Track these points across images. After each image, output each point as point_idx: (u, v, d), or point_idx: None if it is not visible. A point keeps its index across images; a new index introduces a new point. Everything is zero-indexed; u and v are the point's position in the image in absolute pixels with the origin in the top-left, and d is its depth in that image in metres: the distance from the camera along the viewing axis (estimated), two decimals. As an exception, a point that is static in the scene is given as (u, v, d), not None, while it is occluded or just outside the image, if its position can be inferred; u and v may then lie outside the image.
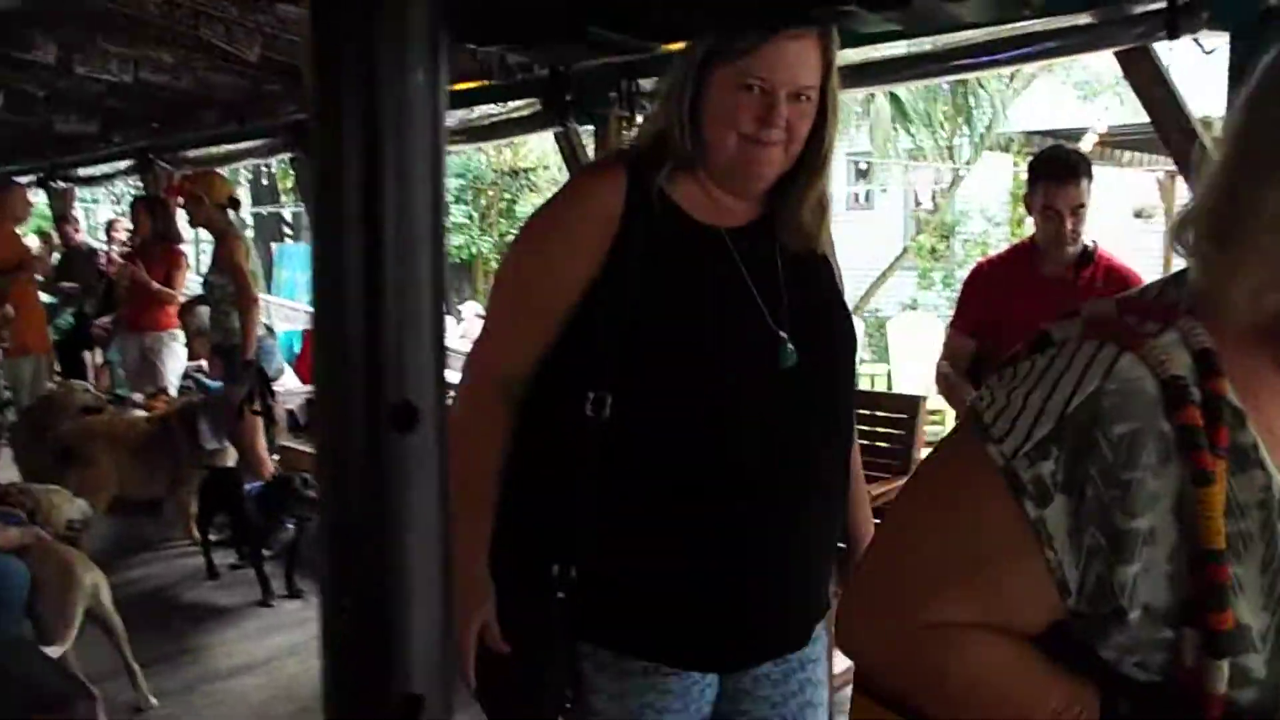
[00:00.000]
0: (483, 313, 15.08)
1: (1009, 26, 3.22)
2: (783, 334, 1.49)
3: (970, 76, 9.56)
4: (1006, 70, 8.69)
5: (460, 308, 15.13)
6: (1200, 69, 3.33)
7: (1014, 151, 11.69)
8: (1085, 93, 11.81)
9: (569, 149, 4.80)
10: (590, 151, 4.77)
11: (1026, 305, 3.10)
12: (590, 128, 4.62)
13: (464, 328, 14.26)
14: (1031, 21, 3.18)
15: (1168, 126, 3.01)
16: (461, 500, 1.46)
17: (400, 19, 0.55)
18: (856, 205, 18.82)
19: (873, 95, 11.24)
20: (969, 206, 14.67)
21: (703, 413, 1.46)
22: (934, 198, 15.18)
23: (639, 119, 4.38)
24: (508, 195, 17.16)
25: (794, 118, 1.44)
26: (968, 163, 12.67)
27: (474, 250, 17.18)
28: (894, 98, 11.44)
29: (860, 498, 1.75)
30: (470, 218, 17.00)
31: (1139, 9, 2.85)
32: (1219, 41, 2.86)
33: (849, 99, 11.55)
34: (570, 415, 1.47)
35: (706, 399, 1.46)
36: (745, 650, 1.56)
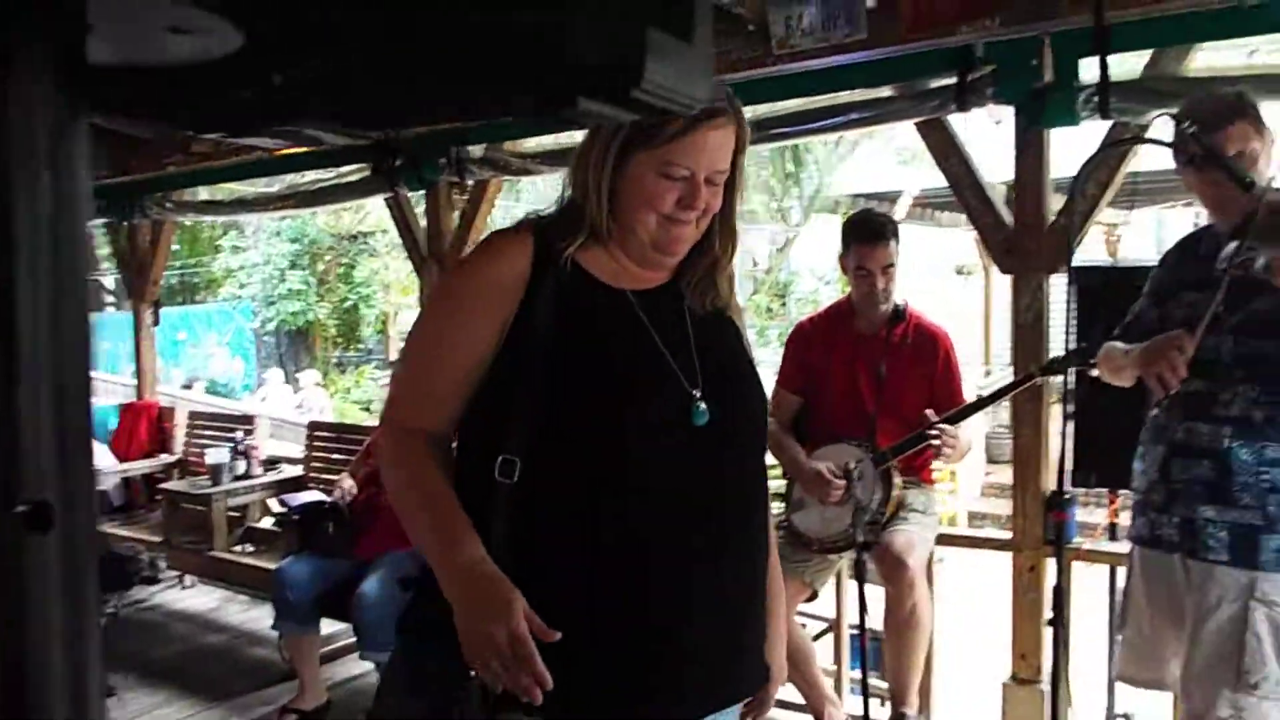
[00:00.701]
0: (321, 381, 14.65)
1: (822, 98, 3.40)
2: (696, 393, 1.49)
3: (785, 144, 10.03)
4: (818, 138, 9.15)
5: (298, 376, 14.67)
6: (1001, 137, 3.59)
7: (841, 213, 12.25)
8: (904, 158, 12.48)
9: (400, 215, 4.77)
10: (421, 217, 4.76)
11: (842, 361, 3.24)
12: (421, 193, 4.61)
13: (301, 397, 13.81)
14: (842, 94, 3.38)
15: (963, 190, 3.23)
16: (431, 521, 1.45)
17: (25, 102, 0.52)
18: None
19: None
20: (800, 266, 15.24)
21: (614, 475, 1.45)
22: (769, 258, 15.69)
23: (469, 183, 4.41)
24: (345, 260, 16.82)
25: (709, 196, 1.48)
26: (798, 224, 13.20)
27: (310, 317, 16.73)
28: (726, 163, 11.82)
29: (778, 631, 1.68)
30: (306, 283, 16.57)
31: (933, 84, 3.06)
32: (1007, 114, 3.09)
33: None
34: (480, 477, 1.44)
35: (617, 461, 1.44)
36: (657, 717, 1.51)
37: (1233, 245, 2.07)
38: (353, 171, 4.81)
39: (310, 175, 5.22)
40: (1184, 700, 2.24)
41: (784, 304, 15.02)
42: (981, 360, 12.61)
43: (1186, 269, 2.29)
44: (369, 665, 3.90)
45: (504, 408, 1.46)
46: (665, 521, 1.46)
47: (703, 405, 1.49)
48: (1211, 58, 3.00)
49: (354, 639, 3.84)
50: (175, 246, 18.63)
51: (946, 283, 14.81)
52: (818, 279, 14.15)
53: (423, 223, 4.72)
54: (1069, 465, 3.24)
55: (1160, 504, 2.28)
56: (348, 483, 4.05)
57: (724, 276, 1.60)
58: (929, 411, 2.96)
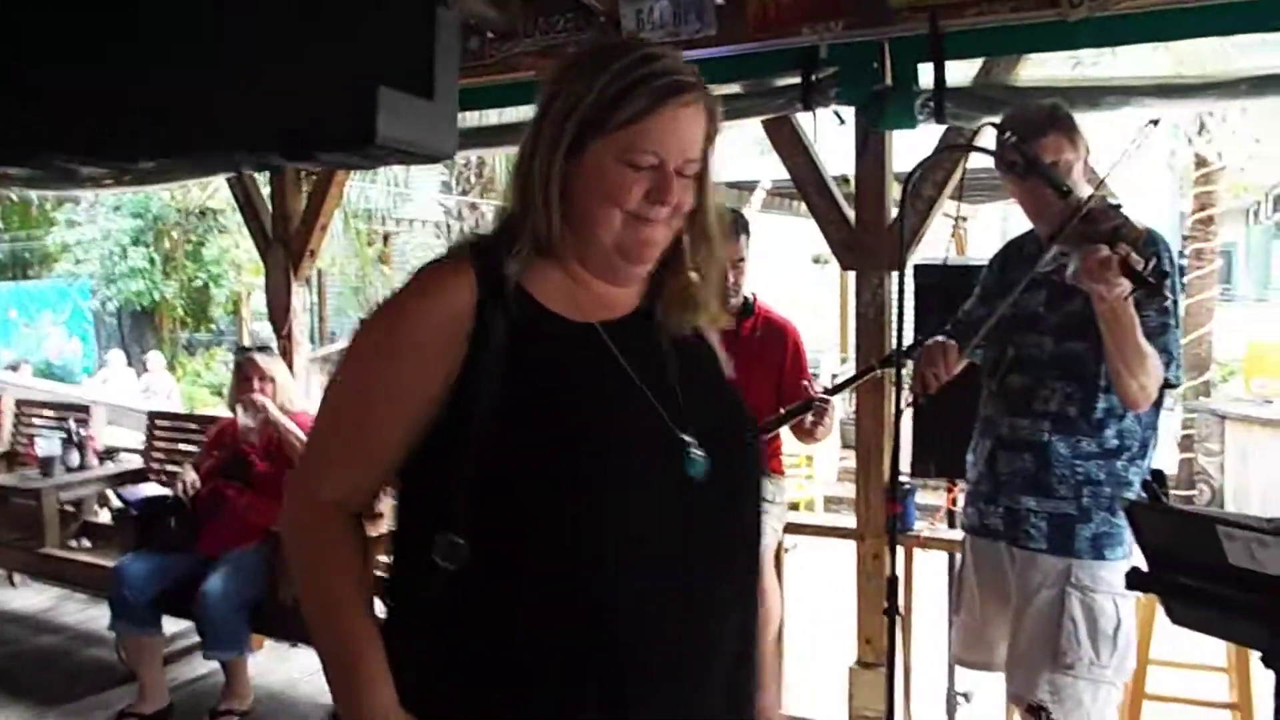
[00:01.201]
0: (160, 362, 14.03)
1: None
2: (687, 438, 1.25)
3: None
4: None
5: (145, 358, 14.02)
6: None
7: (702, 200, 12.37)
8: (763, 148, 12.71)
9: (244, 196, 4.60)
10: (266, 197, 4.60)
11: (694, 354, 3.29)
12: (266, 173, 4.46)
13: (147, 380, 13.21)
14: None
15: (807, 187, 3.31)
16: (338, 647, 1.24)
17: None
18: (560, 249, 19.22)
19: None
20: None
21: (592, 550, 1.19)
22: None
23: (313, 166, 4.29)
24: (194, 237, 16.11)
25: (680, 190, 1.26)
26: (660, 211, 13.29)
27: (155, 296, 15.98)
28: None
29: (771, 675, 1.49)
30: (151, 261, 15.80)
31: (779, 83, 3.12)
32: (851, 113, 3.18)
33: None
34: (416, 562, 1.21)
35: (596, 532, 1.19)
36: None
37: (1052, 250, 2.19)
38: (195, 151, 4.61)
39: (150, 153, 4.99)
40: (1008, 681, 2.37)
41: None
42: (839, 348, 12.99)
43: (1012, 270, 2.41)
44: (214, 665, 3.78)
45: (445, 476, 1.21)
46: (657, 603, 1.22)
47: (697, 453, 1.25)
48: (1039, 69, 3.16)
49: (198, 638, 3.72)
50: (2, 223, 17.59)
51: (803, 271, 15.18)
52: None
53: (269, 204, 4.57)
54: (908, 456, 3.40)
55: (987, 494, 2.40)
56: (190, 475, 3.91)
57: (707, 291, 1.36)
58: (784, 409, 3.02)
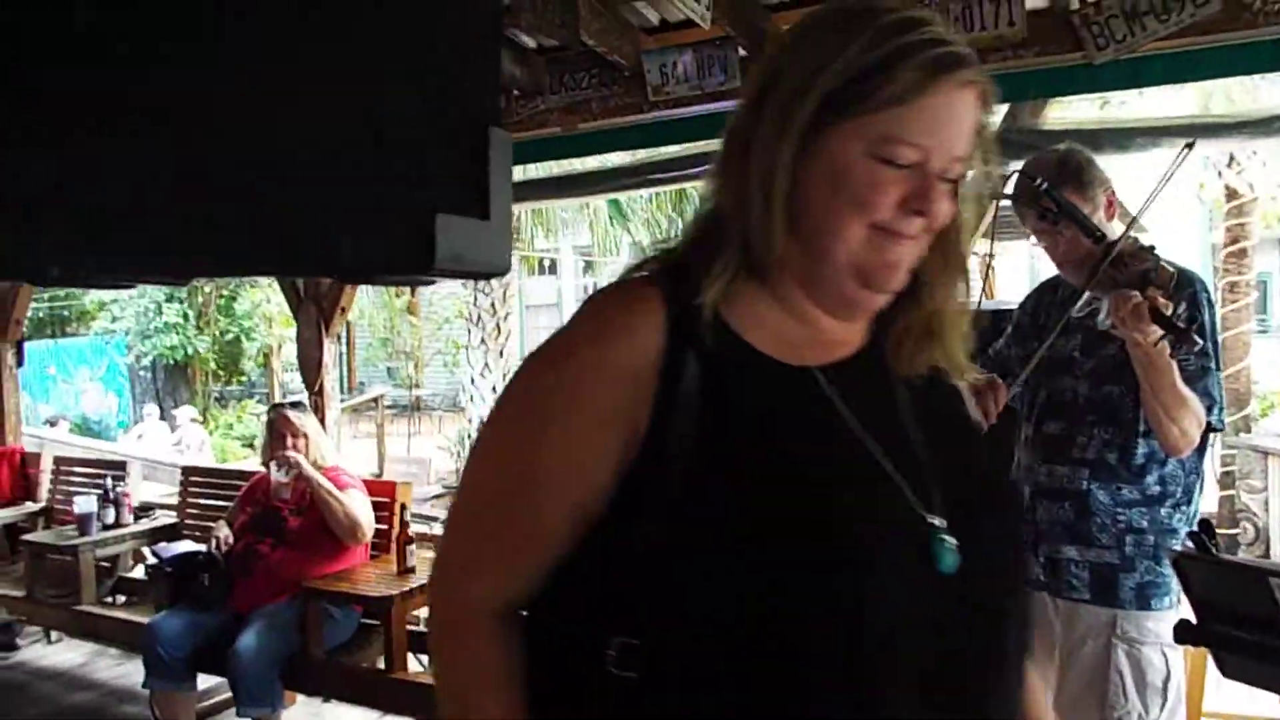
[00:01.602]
0: (199, 417, 14.17)
1: (698, 144, 3.46)
2: (935, 520, 0.96)
3: (665, 189, 10.28)
4: (692, 184, 9.39)
5: (175, 413, 14.16)
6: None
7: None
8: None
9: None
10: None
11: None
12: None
13: (179, 435, 13.33)
14: (718, 141, 3.43)
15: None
16: None
17: None
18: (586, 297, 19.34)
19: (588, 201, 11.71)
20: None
21: (817, 662, 0.92)
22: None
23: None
24: (226, 292, 16.34)
25: (942, 198, 0.97)
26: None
27: (189, 351, 16.18)
28: (612, 201, 11.94)
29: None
30: (185, 316, 16.04)
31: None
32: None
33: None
34: (584, 671, 0.96)
35: (824, 639, 0.91)
36: None
37: (1085, 296, 2.17)
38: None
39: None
40: None
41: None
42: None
43: (1044, 312, 2.38)
44: (247, 721, 3.77)
45: (622, 566, 0.96)
46: None
47: (948, 539, 0.95)
48: (1066, 110, 3.15)
49: (230, 694, 3.71)
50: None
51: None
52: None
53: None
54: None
55: (1028, 544, 2.36)
56: (223, 531, 3.92)
57: (953, 329, 1.06)
58: None
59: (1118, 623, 2.20)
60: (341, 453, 4.40)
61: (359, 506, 3.79)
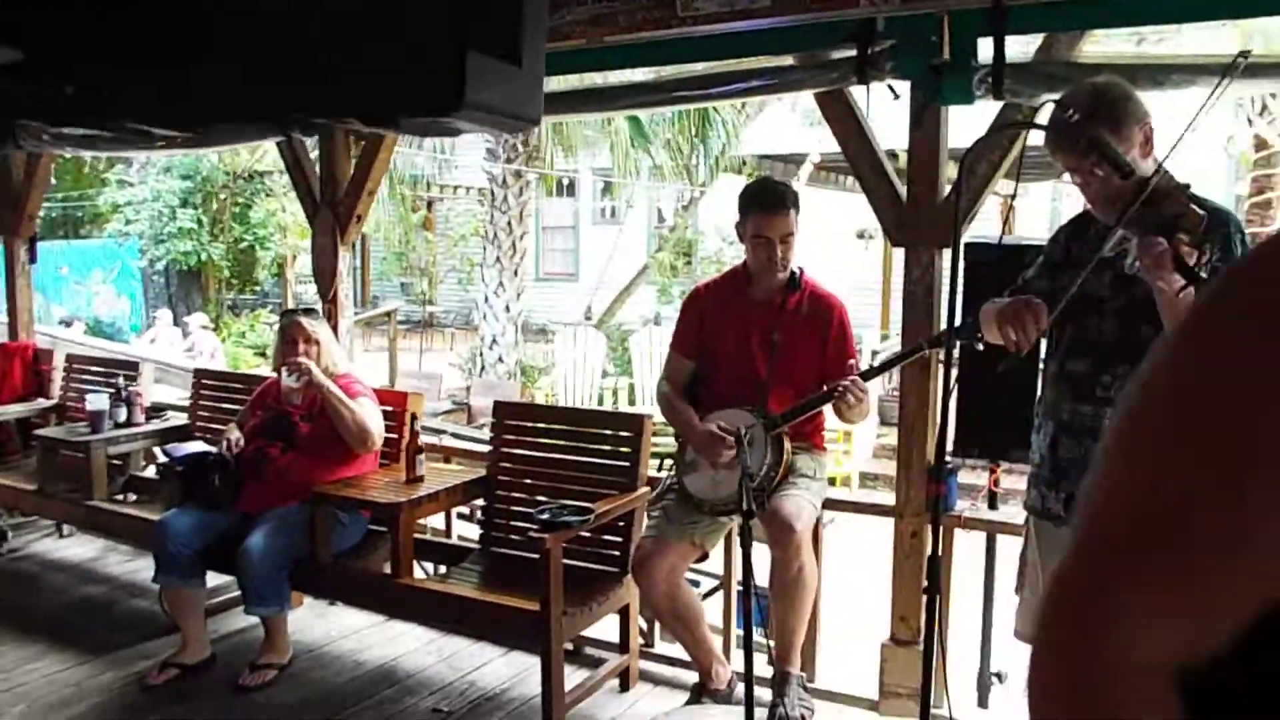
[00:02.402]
0: (210, 324, 14.20)
1: (725, 63, 3.39)
2: None
3: (689, 107, 10.10)
4: (721, 103, 9.22)
5: (187, 320, 14.21)
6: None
7: (747, 174, 12.30)
8: (810, 120, 12.58)
9: (293, 158, 4.62)
10: (315, 161, 4.62)
11: (737, 328, 3.27)
12: (315, 137, 4.47)
13: (191, 341, 13.40)
14: (745, 59, 3.38)
15: (859, 162, 3.26)
16: None
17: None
18: (603, 220, 19.23)
19: (611, 117, 11.54)
20: (706, 225, 15.29)
21: None
22: (675, 215, 15.71)
23: (366, 130, 4.29)
24: (241, 200, 16.29)
25: None
26: (704, 184, 13.22)
27: (202, 257, 16.18)
28: (633, 120, 11.78)
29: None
30: (199, 222, 16.01)
31: (834, 55, 3.07)
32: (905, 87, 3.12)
33: (589, 120, 11.78)
34: None
35: None
36: None
37: (1117, 234, 2.14)
38: (246, 112, 4.63)
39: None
40: None
41: (689, 263, 15.09)
42: (880, 325, 12.89)
43: (1077, 246, 2.35)
44: (254, 620, 3.84)
45: None
46: None
47: None
48: (1102, 45, 3.08)
49: (239, 593, 3.78)
50: (55, 180, 17.82)
51: (848, 247, 15.04)
52: (722, 239, 14.23)
53: (317, 167, 4.59)
54: (951, 437, 3.36)
55: (1049, 479, 2.37)
56: (234, 434, 3.96)
57: None
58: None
59: None
60: (353, 363, 4.42)
61: (369, 414, 3.82)
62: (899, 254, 3.28)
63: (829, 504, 3.48)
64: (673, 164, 12.72)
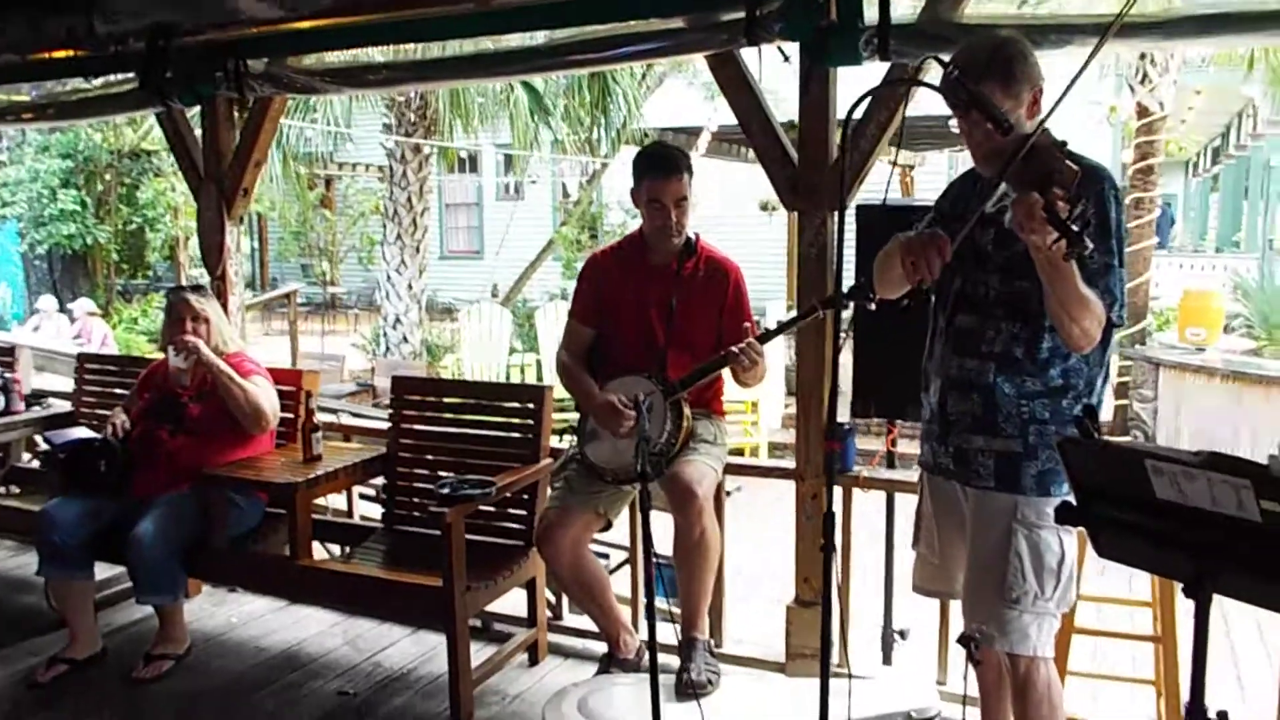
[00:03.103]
0: (97, 310, 13.67)
1: (611, 26, 3.35)
2: None
3: (580, 72, 10.01)
4: (615, 67, 9.17)
5: (71, 306, 13.64)
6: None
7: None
8: (710, 92, 12.61)
9: (174, 131, 4.45)
10: (198, 135, 4.45)
11: (635, 294, 3.26)
12: (197, 109, 4.30)
13: (78, 328, 12.88)
14: (634, 23, 3.34)
15: (751, 126, 3.27)
16: None
17: None
18: (507, 196, 19.05)
19: (511, 87, 11.38)
20: (610, 199, 15.26)
21: None
22: (579, 189, 15.64)
23: (249, 100, 4.15)
24: (128, 180, 15.67)
25: None
26: (606, 156, 13.17)
27: (88, 240, 15.54)
28: (531, 91, 11.65)
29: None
30: (83, 204, 15.36)
31: (723, 17, 3.06)
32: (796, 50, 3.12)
33: (488, 89, 11.60)
34: None
35: None
36: None
37: (1000, 189, 2.17)
38: (120, 82, 4.44)
39: (72, 84, 4.79)
40: (964, 612, 2.40)
41: (594, 237, 15.03)
42: (786, 296, 13.03)
43: (963, 203, 2.38)
44: (148, 610, 3.72)
45: None
46: None
47: None
48: (985, 5, 3.12)
49: (130, 584, 3.65)
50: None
51: (752, 219, 15.17)
52: (625, 211, 14.22)
53: (200, 140, 4.43)
54: (848, 397, 3.41)
55: (939, 434, 2.41)
56: (120, 418, 3.81)
57: None
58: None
59: (1019, 508, 2.27)
60: (249, 344, 4.29)
61: (263, 393, 3.71)
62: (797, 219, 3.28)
63: (732, 469, 3.50)
64: (574, 137, 12.62)
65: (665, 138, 11.97)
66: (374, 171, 16.24)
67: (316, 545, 3.82)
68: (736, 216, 15.20)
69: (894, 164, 2.64)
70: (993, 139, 2.14)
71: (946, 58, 2.21)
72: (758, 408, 10.31)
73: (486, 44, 3.91)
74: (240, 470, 3.64)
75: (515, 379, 11.25)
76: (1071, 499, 1.85)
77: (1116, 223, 2.19)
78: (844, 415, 3.55)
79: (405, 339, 12.41)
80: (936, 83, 2.17)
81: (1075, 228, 1.88)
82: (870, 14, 2.85)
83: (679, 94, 12.96)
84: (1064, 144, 2.05)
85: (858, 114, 2.20)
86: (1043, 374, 2.26)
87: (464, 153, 16.91)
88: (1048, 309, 2.13)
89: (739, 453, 9.42)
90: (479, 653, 3.42)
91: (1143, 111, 10.23)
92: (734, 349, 2.96)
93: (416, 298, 12.45)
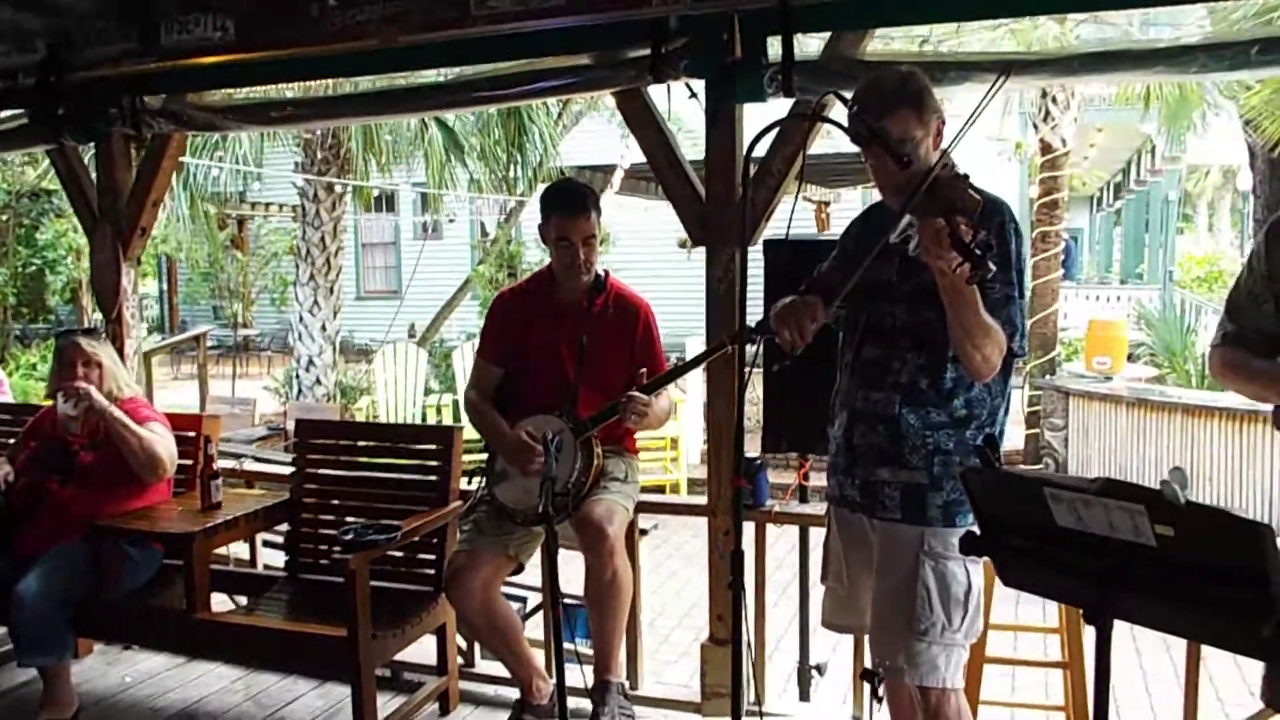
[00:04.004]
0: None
1: (519, 63, 3.34)
2: None
3: (487, 109, 10.18)
4: (526, 103, 9.23)
5: (-34, 350, 13.11)
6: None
7: (566, 185, 12.28)
8: (625, 130, 12.72)
9: (67, 169, 4.29)
10: (93, 173, 4.30)
11: (545, 332, 3.21)
12: (91, 146, 4.16)
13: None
14: (542, 59, 3.33)
15: (658, 159, 3.26)
16: None
17: None
18: (424, 235, 18.90)
19: (426, 125, 11.31)
20: (528, 236, 15.22)
21: None
22: (496, 228, 15.58)
23: (147, 137, 4.02)
24: (26, 221, 15.16)
25: None
26: (523, 194, 13.14)
27: (-15, 284, 14.99)
28: (445, 129, 11.58)
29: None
30: (-22, 246, 14.82)
31: (629, 54, 3.06)
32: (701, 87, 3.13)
33: (402, 128, 11.51)
34: None
35: None
36: None
37: (904, 220, 2.19)
38: (10, 119, 4.27)
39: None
40: (871, 646, 2.38)
41: (511, 275, 14.95)
42: (706, 331, 13.08)
43: (868, 238, 2.40)
44: (31, 673, 3.51)
45: None
46: None
47: None
48: (887, 45, 3.18)
49: (10, 646, 3.45)
50: None
51: (669, 256, 15.24)
52: (542, 250, 14.15)
53: (94, 179, 4.28)
54: (760, 432, 3.40)
55: (844, 467, 2.40)
56: (4, 468, 3.62)
57: None
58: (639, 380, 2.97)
59: (925, 539, 2.26)
60: (160, 388, 4.12)
61: (159, 440, 3.55)
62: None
63: (645, 507, 3.46)
64: (490, 175, 12.57)
65: (582, 176, 11.99)
66: (287, 211, 15.97)
67: (218, 597, 3.66)
68: (656, 253, 15.28)
69: (801, 198, 2.65)
70: (893, 171, 2.17)
71: (849, 94, 2.23)
72: (678, 444, 10.29)
73: (399, 80, 3.86)
74: (134, 520, 3.48)
75: (431, 420, 11.07)
76: (976, 529, 1.85)
77: (1016, 255, 2.23)
78: (756, 450, 3.55)
79: (319, 381, 12.15)
80: (840, 119, 2.19)
81: (979, 252, 1.90)
82: (774, 51, 2.88)
83: (595, 131, 13.03)
84: (966, 176, 2.08)
85: (761, 150, 2.20)
86: (947, 404, 2.27)
87: (380, 192, 16.73)
88: (951, 336, 2.15)
89: (659, 490, 9.37)
90: (388, 704, 3.30)
91: (1046, 148, 10.57)
92: (621, 400, 2.95)
93: (330, 339, 12.21)
